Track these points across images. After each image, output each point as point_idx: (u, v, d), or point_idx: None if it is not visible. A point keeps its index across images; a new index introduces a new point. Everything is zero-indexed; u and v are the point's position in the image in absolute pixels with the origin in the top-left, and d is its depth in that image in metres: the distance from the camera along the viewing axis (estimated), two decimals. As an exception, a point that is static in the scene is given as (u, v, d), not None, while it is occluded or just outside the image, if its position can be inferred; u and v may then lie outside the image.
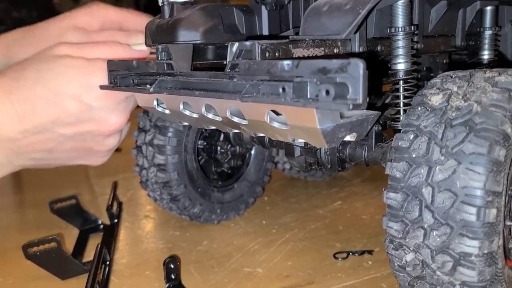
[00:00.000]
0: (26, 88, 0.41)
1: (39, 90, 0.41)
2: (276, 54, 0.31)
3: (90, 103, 0.42)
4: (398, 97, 0.38)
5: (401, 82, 0.37)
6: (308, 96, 0.27)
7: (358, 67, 0.24)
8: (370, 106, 0.41)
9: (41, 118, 0.42)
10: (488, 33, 0.47)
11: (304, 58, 0.32)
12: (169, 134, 0.45)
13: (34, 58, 0.43)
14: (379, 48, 0.38)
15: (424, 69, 0.47)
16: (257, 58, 0.30)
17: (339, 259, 0.42)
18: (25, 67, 0.42)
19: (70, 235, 0.50)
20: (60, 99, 0.42)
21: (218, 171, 0.52)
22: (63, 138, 0.43)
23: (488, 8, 0.46)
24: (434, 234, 0.28)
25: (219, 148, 0.50)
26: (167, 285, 0.38)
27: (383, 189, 0.30)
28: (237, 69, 0.31)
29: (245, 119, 0.33)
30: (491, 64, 0.47)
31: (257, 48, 0.30)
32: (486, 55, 0.47)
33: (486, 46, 0.47)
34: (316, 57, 0.33)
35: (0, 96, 0.41)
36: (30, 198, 0.65)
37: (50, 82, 0.42)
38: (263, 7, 0.42)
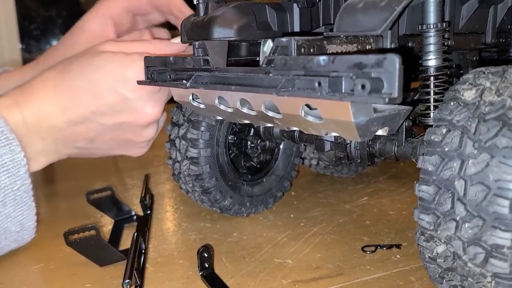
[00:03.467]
0: (68, 81, 0.44)
1: (80, 82, 0.44)
2: (311, 50, 0.32)
3: (126, 94, 0.44)
4: (428, 93, 0.38)
5: (432, 78, 0.38)
6: (343, 91, 0.28)
7: (395, 62, 0.25)
8: (401, 102, 0.41)
9: (82, 109, 0.44)
10: (519, 30, 0.47)
11: (338, 54, 0.33)
12: (202, 128, 0.46)
13: (80, 54, 0.46)
14: (410, 44, 0.39)
15: (454, 66, 0.47)
16: (293, 53, 0.31)
17: (368, 252, 0.43)
18: (71, 61, 0.45)
19: (105, 225, 0.52)
20: (98, 90, 0.44)
21: (247, 165, 0.53)
22: (103, 128, 0.46)
23: (520, 5, 0.46)
24: (466, 226, 0.28)
25: (249, 142, 0.52)
26: (200, 273, 0.39)
27: (415, 182, 0.31)
28: (273, 65, 0.32)
29: (279, 113, 0.34)
30: (522, 62, 0.47)
31: (293, 44, 0.31)
32: (517, 52, 0.48)
33: (517, 44, 0.47)
34: (349, 53, 0.34)
35: (48, 88, 0.44)
36: (63, 190, 0.67)
37: (90, 74, 0.44)
38: (295, 5, 0.43)
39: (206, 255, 0.39)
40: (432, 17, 0.36)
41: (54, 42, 2.02)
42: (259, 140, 0.52)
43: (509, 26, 0.47)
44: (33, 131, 0.43)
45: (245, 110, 0.36)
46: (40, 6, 1.93)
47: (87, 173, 0.74)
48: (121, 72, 0.44)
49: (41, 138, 0.44)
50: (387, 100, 0.26)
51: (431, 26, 0.36)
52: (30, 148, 0.43)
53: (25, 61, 1.79)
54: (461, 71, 0.47)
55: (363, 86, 0.26)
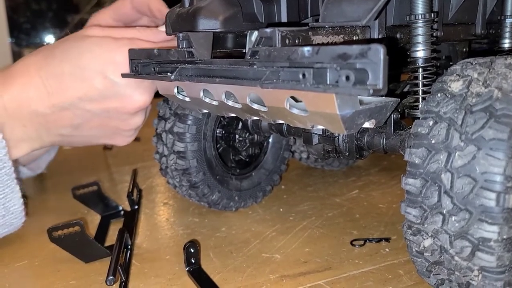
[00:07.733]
0: (54, 65, 0.43)
1: (67, 66, 0.43)
2: (296, 41, 0.32)
3: (114, 79, 0.44)
4: (417, 85, 0.38)
5: (420, 70, 0.37)
6: (328, 82, 0.27)
7: (379, 52, 0.24)
8: (389, 94, 0.41)
9: (68, 94, 0.43)
10: (509, 21, 0.46)
11: (323, 44, 0.32)
12: (189, 122, 0.46)
13: (66, 38, 0.45)
14: (398, 35, 0.38)
15: (444, 57, 0.46)
16: (277, 45, 0.31)
17: (356, 246, 0.43)
18: (56, 46, 0.44)
19: (92, 221, 0.51)
20: (86, 75, 0.43)
21: (236, 159, 0.52)
22: (89, 114, 0.45)
23: (510, -5, 0.46)
24: (453, 219, 0.28)
25: (237, 136, 0.51)
26: (187, 269, 0.39)
27: (402, 175, 0.31)
28: (257, 56, 0.31)
29: (264, 105, 0.34)
30: (512, 53, 0.47)
31: (277, 35, 0.30)
32: (507, 43, 0.47)
33: (507, 35, 0.47)
34: (336, 44, 0.33)
35: (32, 72, 0.43)
36: (51, 185, 0.66)
37: (77, 59, 0.43)
38: (282, -5, 0.43)
39: (192, 250, 0.39)
40: (420, 7, 0.36)
41: (44, 36, 1.99)
42: (247, 134, 0.51)
43: (499, 17, 0.46)
44: (13, 117, 0.43)
45: (230, 103, 0.36)
46: (31, -1, 1.90)
47: (76, 168, 0.73)
48: (110, 56, 0.43)
49: (22, 124, 0.43)
50: (371, 91, 0.25)
51: (419, 17, 0.36)
52: (10, 134, 0.42)
53: (15, 55, 1.77)
54: (451, 63, 0.46)
55: (347, 78, 0.26)
